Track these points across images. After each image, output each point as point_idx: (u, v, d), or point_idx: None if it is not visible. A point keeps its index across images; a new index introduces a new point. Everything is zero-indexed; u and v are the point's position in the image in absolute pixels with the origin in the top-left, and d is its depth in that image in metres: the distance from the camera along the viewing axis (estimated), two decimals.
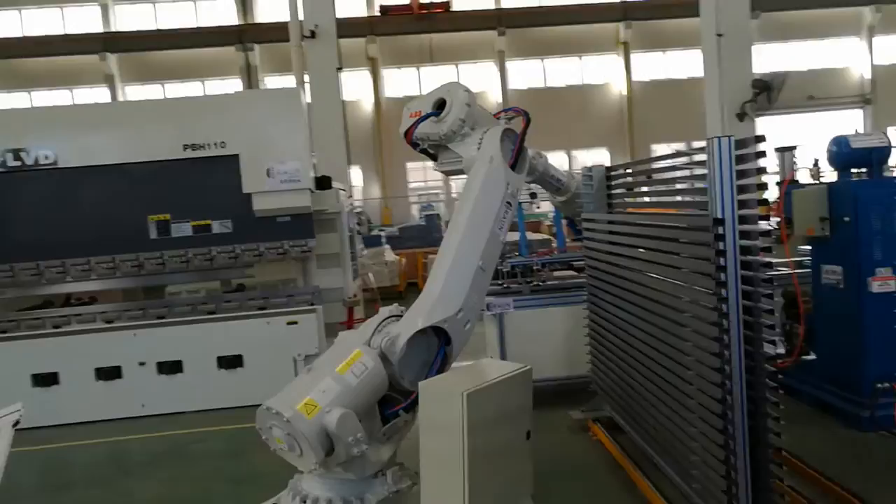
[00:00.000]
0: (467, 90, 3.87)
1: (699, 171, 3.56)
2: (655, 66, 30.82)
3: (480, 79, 30.95)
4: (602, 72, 31.12)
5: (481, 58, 30.65)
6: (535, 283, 6.31)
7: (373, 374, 3.71)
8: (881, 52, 30.47)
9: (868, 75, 30.58)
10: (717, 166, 3.22)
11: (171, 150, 6.56)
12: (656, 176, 4.66)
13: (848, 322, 5.28)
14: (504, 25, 30.05)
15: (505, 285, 6.25)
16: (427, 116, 3.89)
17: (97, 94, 28.86)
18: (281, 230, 6.72)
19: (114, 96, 28.59)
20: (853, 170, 5.49)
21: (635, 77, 30.67)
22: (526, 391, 3.79)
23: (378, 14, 30.06)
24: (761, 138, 3.17)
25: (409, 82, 30.80)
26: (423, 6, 29.66)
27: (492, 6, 30.51)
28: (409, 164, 30.52)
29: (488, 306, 5.95)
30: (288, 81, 11.22)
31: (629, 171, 5.07)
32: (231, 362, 6.63)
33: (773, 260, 5.86)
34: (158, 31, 29.16)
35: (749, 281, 3.25)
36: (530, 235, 14.64)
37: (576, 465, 4.89)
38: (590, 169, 5.35)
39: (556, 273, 6.70)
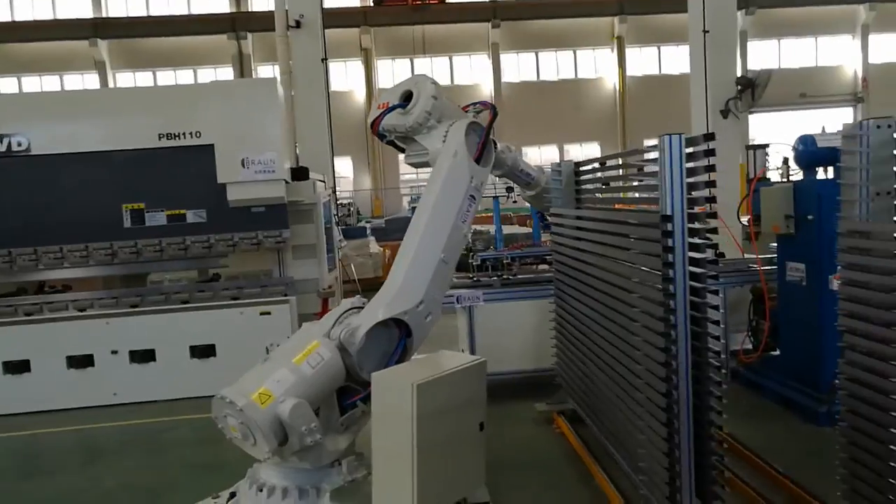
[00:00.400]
0: (434, 83, 3.88)
1: (653, 168, 3.60)
2: (649, 61, 30.83)
3: (474, 71, 30.94)
4: (596, 66, 31.12)
5: (475, 50, 30.60)
6: (505, 276, 6.35)
7: (329, 365, 3.75)
8: (875, 51, 30.52)
9: (861, 73, 30.64)
10: (667, 164, 3.25)
11: (146, 139, 6.55)
12: (617, 172, 4.69)
13: (809, 319, 5.33)
14: (498, 18, 29.99)
15: (475, 278, 6.29)
16: (393, 108, 3.90)
17: (87, 81, 28.75)
18: (255, 220, 6.73)
19: (104, 83, 28.48)
20: (820, 168, 5.53)
21: (629, 72, 30.68)
22: (479, 383, 3.84)
23: (372, 4, 29.99)
24: (710, 136, 3.21)
25: (402, 73, 30.72)
26: None
27: None
28: (402, 156, 30.38)
29: (458, 299, 5.98)
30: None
31: (596, 166, 5.10)
32: (204, 352, 6.66)
33: (751, 256, 5.97)
34: (150, 17, 29.03)
35: (697, 277, 3.29)
36: (517, 229, 14.72)
37: (537, 457, 4.94)
38: (559, 164, 5.38)
39: (529, 266, 6.76)
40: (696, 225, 3.26)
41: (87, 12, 28.81)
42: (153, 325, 6.62)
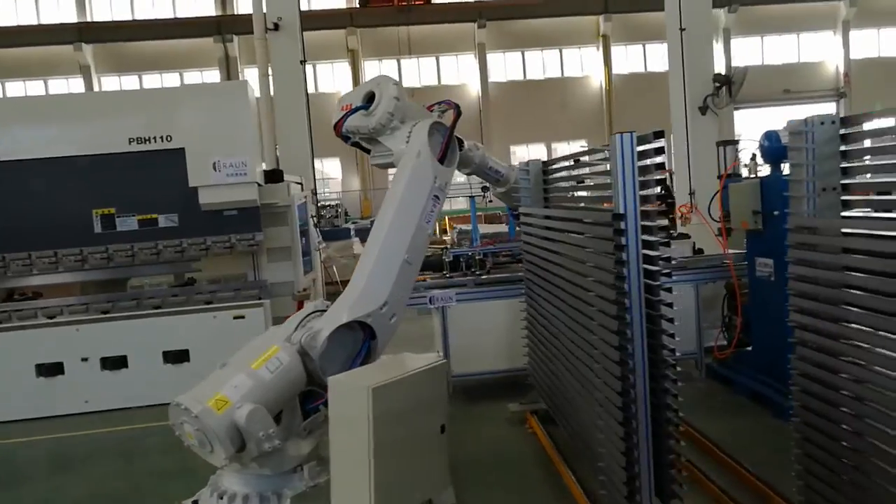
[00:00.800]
0: (396, 83, 3.90)
1: (607, 167, 3.59)
2: (635, 59, 30.89)
3: (461, 71, 30.93)
4: (582, 64, 31.15)
5: (462, 50, 30.58)
6: (478, 272, 6.35)
7: (288, 370, 3.73)
8: (856, 46, 30.67)
9: (843, 69, 30.78)
10: (619, 162, 3.25)
11: (116, 144, 6.52)
12: (580, 171, 4.69)
13: (777, 314, 5.32)
14: (484, 18, 29.98)
15: (448, 276, 6.28)
16: (356, 110, 3.90)
17: (72, 85, 28.58)
18: (228, 224, 6.70)
19: (89, 87, 28.32)
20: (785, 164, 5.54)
21: (615, 70, 30.72)
22: (440, 385, 3.82)
23: (358, 6, 29.93)
24: (660, 134, 3.20)
25: (389, 74, 30.64)
26: None
27: None
28: None
29: (431, 299, 5.97)
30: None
31: (561, 165, 5.09)
32: (177, 357, 6.61)
33: (734, 251, 5.98)
34: (135, 21, 28.89)
35: (652, 275, 3.29)
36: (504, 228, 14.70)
37: (508, 458, 4.93)
38: (526, 163, 5.37)
39: (506, 265, 6.75)
40: (650, 223, 3.26)
41: (71, 17, 28.65)
42: (125, 331, 6.58)
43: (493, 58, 30.68)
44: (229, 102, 6.58)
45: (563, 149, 30.51)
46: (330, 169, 30.06)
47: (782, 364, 5.24)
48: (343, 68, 30.23)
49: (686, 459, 4.42)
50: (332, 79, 30.19)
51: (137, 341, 6.58)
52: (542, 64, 31.01)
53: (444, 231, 17.41)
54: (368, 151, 4.12)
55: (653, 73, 30.05)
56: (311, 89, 30.02)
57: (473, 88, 30.64)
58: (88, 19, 28.87)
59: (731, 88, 10.96)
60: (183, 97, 6.67)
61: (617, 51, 30.61)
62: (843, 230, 2.88)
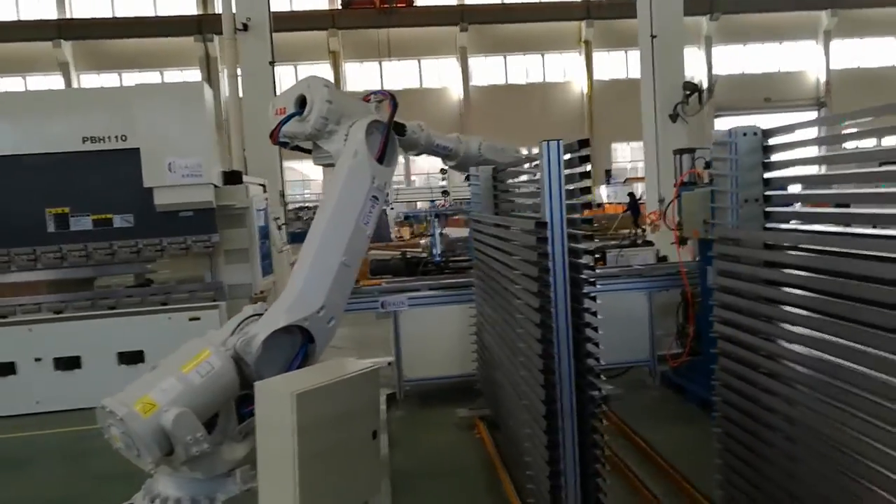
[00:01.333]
0: (327, 84, 3.77)
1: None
2: (616, 64, 31.05)
3: (443, 74, 30.97)
4: (564, 69, 31.30)
5: (444, 53, 30.64)
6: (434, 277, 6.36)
7: (219, 375, 3.68)
8: (836, 56, 31.03)
9: (823, 78, 31.13)
10: (545, 169, 3.25)
11: (69, 142, 6.45)
12: (516, 180, 4.70)
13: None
14: (467, 21, 30.06)
15: (401, 282, 6.27)
16: (289, 117, 3.79)
17: (51, 82, 28.32)
18: (183, 225, 6.64)
19: (68, 84, 28.12)
20: None
21: (597, 75, 30.88)
22: (372, 391, 3.78)
23: (340, 7, 29.90)
24: (585, 142, 3.21)
25: (370, 76, 30.70)
26: (385, 0, 29.53)
27: (455, 2, 30.49)
28: None
29: (382, 304, 5.95)
30: None
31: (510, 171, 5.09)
32: (132, 357, 6.54)
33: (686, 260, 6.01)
34: (115, 18, 28.69)
35: (577, 283, 3.29)
36: None
37: (452, 463, 4.91)
38: (476, 170, 5.37)
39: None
40: (577, 231, 3.26)
41: (51, 13, 28.41)
42: (78, 332, 6.51)
43: (475, 61, 30.77)
44: (185, 103, 6.53)
45: None
46: (310, 171, 29.95)
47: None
48: (325, 69, 30.15)
49: (626, 466, 4.47)
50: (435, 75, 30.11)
51: (91, 342, 6.50)
52: (524, 68, 31.13)
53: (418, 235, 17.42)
54: (310, 152, 4.02)
55: (634, 80, 30.05)
56: (415, 84, 30.10)
57: (455, 92, 30.71)
58: (68, 16, 28.64)
59: (701, 96, 11.02)
60: (138, 97, 6.61)
61: (599, 56, 30.78)
62: (766, 242, 2.90)
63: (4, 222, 6.48)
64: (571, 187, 3.26)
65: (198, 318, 6.61)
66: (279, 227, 8.95)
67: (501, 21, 30.10)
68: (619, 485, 4.31)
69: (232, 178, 7.28)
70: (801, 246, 2.71)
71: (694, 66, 30.99)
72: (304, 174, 29.17)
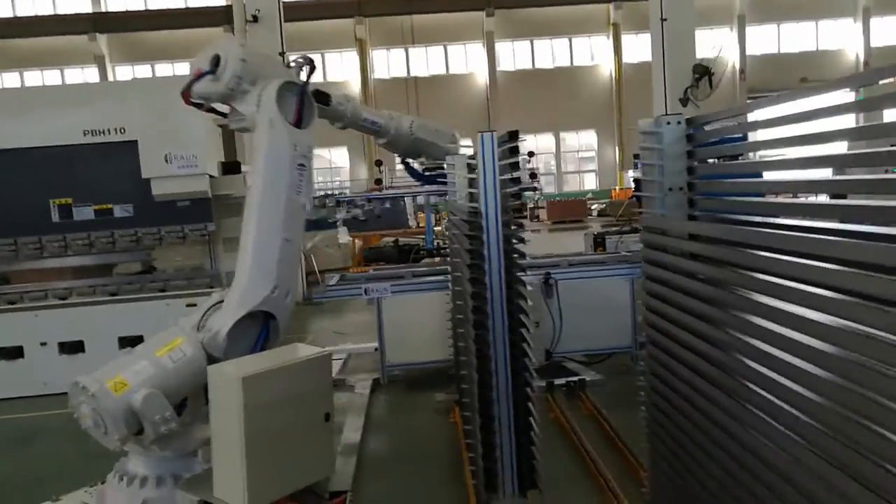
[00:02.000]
0: (242, 44, 3.64)
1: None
2: (646, 47, 30.45)
3: (469, 60, 30.89)
4: (592, 53, 30.94)
5: (470, 38, 30.54)
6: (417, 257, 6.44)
7: (190, 361, 3.85)
8: (876, 34, 30.01)
9: (863, 57, 30.16)
10: (480, 160, 3.32)
11: (71, 136, 6.70)
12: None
13: None
14: (493, 6, 29.88)
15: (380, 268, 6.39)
16: (202, 76, 3.58)
17: (87, 75, 29.09)
18: (181, 214, 6.86)
19: (104, 76, 28.82)
20: None
21: (625, 59, 30.44)
22: (323, 374, 3.91)
23: None
24: (514, 134, 3.26)
25: (397, 63, 30.79)
26: None
27: None
28: None
29: (366, 291, 6.07)
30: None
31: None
32: (133, 342, 6.71)
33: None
34: (148, 10, 29.27)
35: (513, 272, 3.36)
36: None
37: (423, 447, 5.03)
38: (452, 157, 5.43)
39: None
40: (510, 219, 3.33)
41: (86, 7, 29.12)
42: (81, 317, 6.79)
43: (502, 46, 30.60)
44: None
45: (571, 138, 30.39)
46: (337, 158, 30.26)
47: None
48: (352, 57, 30.35)
49: (586, 451, 4.53)
50: (340, 68, 30.33)
51: (93, 327, 6.78)
52: (551, 53, 30.85)
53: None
54: (226, 116, 3.84)
55: None
56: (318, 79, 30.58)
57: (481, 77, 30.59)
58: (102, 9, 29.30)
59: (712, 80, 10.83)
60: (135, 91, 6.84)
61: (627, 39, 30.30)
62: (690, 232, 2.92)
63: (11, 213, 6.77)
64: (505, 177, 3.33)
65: (195, 305, 6.77)
66: None
67: (528, 5, 29.85)
68: (578, 469, 4.40)
69: (231, 167, 7.48)
70: (701, 236, 2.73)
71: (727, 46, 30.44)
72: (334, 162, 29.45)
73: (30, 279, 7.24)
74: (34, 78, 28.99)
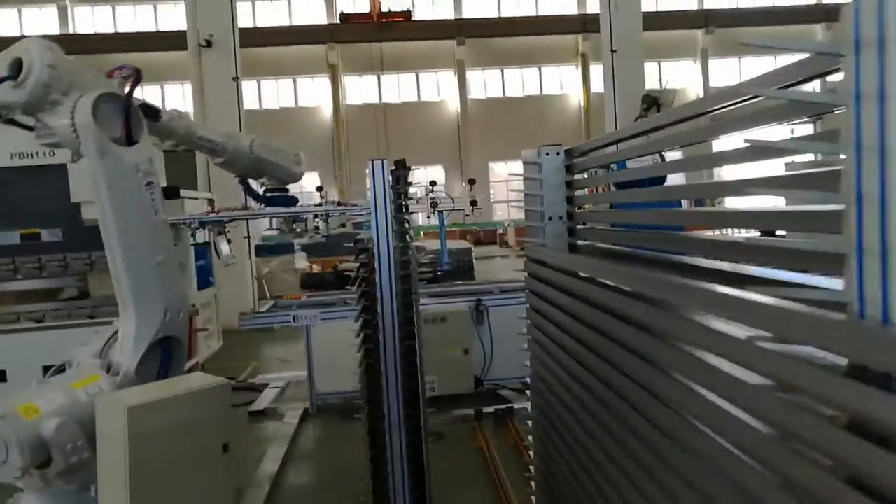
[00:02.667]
0: (51, 48, 3.17)
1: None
2: None
3: (441, 87, 31.16)
4: (561, 82, 31.38)
5: (441, 66, 30.82)
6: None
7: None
8: None
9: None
10: (372, 188, 3.32)
11: None
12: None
13: None
14: (464, 35, 30.25)
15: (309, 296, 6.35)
16: (0, 81, 3.11)
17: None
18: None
19: None
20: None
21: (594, 88, 30.88)
22: (221, 405, 3.83)
23: (338, 22, 30.21)
24: (401, 163, 3.26)
25: (369, 89, 30.97)
26: (383, 14, 29.83)
27: (452, 16, 30.72)
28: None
29: (294, 318, 6.01)
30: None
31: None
32: (59, 371, 6.64)
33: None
34: (116, 34, 29.22)
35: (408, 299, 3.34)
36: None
37: (342, 478, 4.94)
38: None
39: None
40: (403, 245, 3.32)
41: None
42: (3, 345, 6.62)
43: (473, 74, 30.92)
44: None
45: None
46: (307, 183, 30.14)
47: None
48: (324, 83, 30.48)
49: (500, 481, 4.48)
50: (312, 93, 30.44)
51: (16, 356, 6.61)
52: (521, 81, 31.25)
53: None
54: (31, 129, 3.42)
55: None
56: (290, 103, 30.59)
57: (453, 105, 30.85)
58: (70, 31, 29.20)
59: (660, 109, 11.02)
60: None
61: (596, 69, 30.74)
62: (565, 266, 2.92)
63: None
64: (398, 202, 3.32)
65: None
66: (228, 241, 9.03)
67: (498, 35, 30.26)
68: (490, 499, 4.35)
69: (168, 192, 7.39)
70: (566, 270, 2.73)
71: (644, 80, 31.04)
72: (303, 186, 29.33)
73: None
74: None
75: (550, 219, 3.04)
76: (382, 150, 27.55)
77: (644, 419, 1.88)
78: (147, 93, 26.65)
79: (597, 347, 2.39)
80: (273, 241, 14.22)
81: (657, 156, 3.85)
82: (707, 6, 30.69)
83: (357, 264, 3.44)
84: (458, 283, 6.94)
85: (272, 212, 5.47)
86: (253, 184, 4.83)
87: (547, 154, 3.02)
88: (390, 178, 3.30)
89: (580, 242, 3.00)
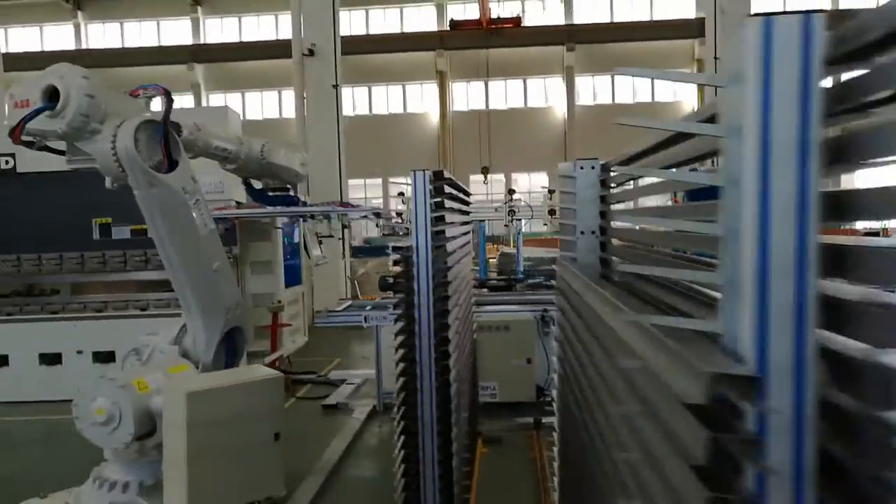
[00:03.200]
0: (86, 76, 3.16)
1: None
2: None
3: (549, 93, 31.00)
4: (675, 89, 30.40)
5: (549, 72, 30.65)
6: None
7: None
8: None
9: None
10: (413, 197, 3.45)
11: None
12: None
13: None
14: (574, 41, 29.91)
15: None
16: (38, 111, 3.15)
17: (184, 101, 30.99)
18: None
19: (198, 102, 30.65)
20: None
21: (709, 96, 29.70)
22: (274, 396, 4.12)
23: (448, 28, 30.66)
24: (439, 174, 3.37)
25: (476, 95, 31.25)
26: (492, 21, 29.99)
27: (562, 22, 30.48)
28: (473, 177, 30.95)
29: (365, 319, 6.24)
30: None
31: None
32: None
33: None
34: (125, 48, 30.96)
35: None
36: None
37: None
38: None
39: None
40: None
41: (187, 39, 31.18)
42: (113, 329, 7.27)
43: (582, 80, 30.54)
44: (210, 124, 7.15)
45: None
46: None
47: None
48: (432, 89, 31.03)
49: (545, 490, 4.48)
50: (420, 100, 31.06)
51: (124, 338, 7.21)
52: (632, 87, 30.62)
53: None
54: (63, 153, 3.57)
55: None
56: (398, 109, 31.26)
57: (560, 111, 30.60)
58: (201, 41, 31.28)
59: None
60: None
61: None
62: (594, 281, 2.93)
63: (56, 232, 7.39)
64: (437, 214, 3.43)
65: None
66: (320, 241, 9.44)
67: (610, 40, 29.72)
68: None
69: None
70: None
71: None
72: (406, 189, 29.99)
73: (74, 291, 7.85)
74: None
75: (583, 233, 3.05)
76: (486, 156, 27.77)
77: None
78: (262, 98, 27.97)
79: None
80: (376, 243, 14.73)
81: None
82: None
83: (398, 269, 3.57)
84: (529, 291, 6.94)
85: (271, 212, 5.68)
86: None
87: (582, 168, 3.03)
88: (430, 188, 3.41)
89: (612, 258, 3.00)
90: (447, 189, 3.61)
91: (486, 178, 24.70)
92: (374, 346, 6.54)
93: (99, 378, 3.92)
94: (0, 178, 7.37)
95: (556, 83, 30.82)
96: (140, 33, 31.41)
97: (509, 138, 29.28)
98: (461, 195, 4.82)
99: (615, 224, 2.84)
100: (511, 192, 13.94)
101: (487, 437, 5.42)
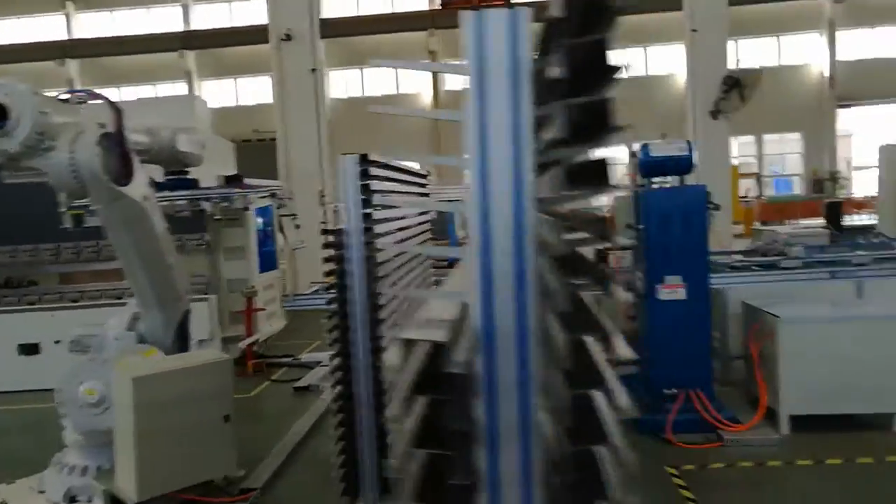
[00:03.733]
0: (36, 92, 3.03)
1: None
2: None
3: None
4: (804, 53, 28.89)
5: None
6: None
7: None
8: None
9: None
10: (342, 181, 3.50)
11: None
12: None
13: (642, 327, 5.30)
14: None
15: None
16: None
17: (177, 89, 30.87)
18: (178, 225, 7.33)
19: (191, 90, 30.52)
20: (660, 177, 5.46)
21: (839, 56, 28.35)
22: (223, 379, 4.22)
23: (439, 7, 30.34)
24: (364, 157, 3.41)
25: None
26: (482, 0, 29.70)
27: None
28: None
29: (328, 302, 6.30)
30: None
31: None
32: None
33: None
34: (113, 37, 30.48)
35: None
36: None
37: None
38: None
39: None
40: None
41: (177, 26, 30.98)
42: (92, 318, 7.33)
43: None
44: (178, 114, 7.23)
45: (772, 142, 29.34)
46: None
47: (644, 376, 5.23)
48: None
49: None
50: (412, 80, 30.87)
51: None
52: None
53: None
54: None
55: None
56: (392, 91, 31.07)
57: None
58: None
59: (742, 91, 10.46)
60: (140, 108, 7.38)
61: (842, 35, 28.26)
62: None
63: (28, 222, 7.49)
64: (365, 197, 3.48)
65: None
66: (296, 226, 9.50)
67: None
68: None
69: (231, 180, 7.92)
70: None
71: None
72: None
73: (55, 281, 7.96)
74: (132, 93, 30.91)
75: None
76: None
77: None
78: (141, 93, 27.69)
79: None
80: None
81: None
82: None
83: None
84: None
85: (170, 195, 5.60)
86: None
87: None
88: (357, 172, 3.45)
89: None
90: (379, 172, 3.65)
91: None
92: None
93: (88, 361, 4.08)
94: None
95: None
96: (131, 22, 31.22)
97: None
98: (410, 178, 4.88)
99: None
100: None
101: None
